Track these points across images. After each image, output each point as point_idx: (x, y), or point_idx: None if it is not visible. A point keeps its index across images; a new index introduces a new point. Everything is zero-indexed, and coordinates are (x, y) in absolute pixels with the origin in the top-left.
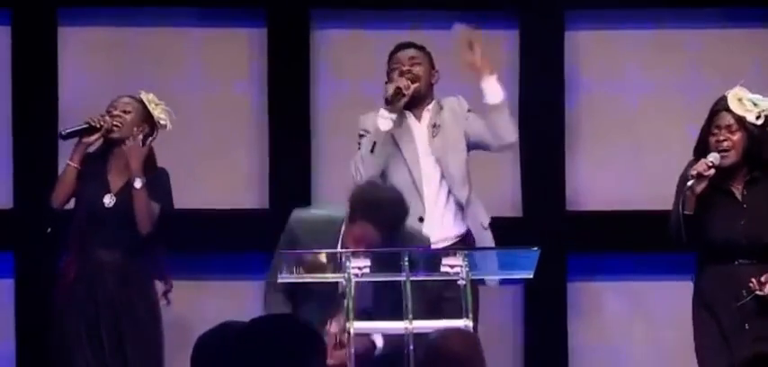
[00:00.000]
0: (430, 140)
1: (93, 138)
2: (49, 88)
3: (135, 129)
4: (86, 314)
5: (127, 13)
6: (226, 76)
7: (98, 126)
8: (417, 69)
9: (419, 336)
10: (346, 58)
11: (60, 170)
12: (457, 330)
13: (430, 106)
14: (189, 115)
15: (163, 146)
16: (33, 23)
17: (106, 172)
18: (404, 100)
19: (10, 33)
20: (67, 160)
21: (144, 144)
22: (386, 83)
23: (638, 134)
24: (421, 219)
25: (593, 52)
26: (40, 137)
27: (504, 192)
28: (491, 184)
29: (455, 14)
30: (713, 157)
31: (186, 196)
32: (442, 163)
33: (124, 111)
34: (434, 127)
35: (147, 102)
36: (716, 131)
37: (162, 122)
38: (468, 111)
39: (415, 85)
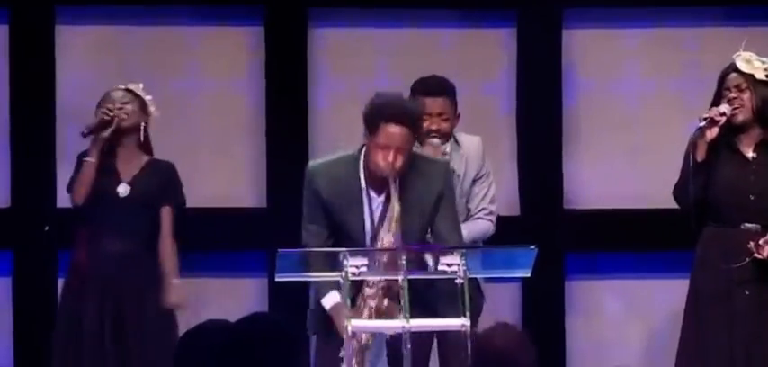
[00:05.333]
0: None
1: (108, 131)
2: (47, 87)
3: (142, 116)
4: (95, 304)
5: (125, 12)
6: (223, 74)
7: (111, 118)
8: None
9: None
10: (344, 56)
11: (58, 169)
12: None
13: None
14: (187, 113)
15: (161, 144)
16: (31, 22)
17: (115, 163)
18: None
19: (8, 32)
20: (85, 157)
21: (144, 135)
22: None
23: (635, 132)
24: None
25: (590, 50)
26: (38, 135)
27: (502, 190)
28: None
29: (454, 13)
30: (725, 107)
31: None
32: None
33: (124, 103)
34: None
35: (140, 93)
36: (726, 92)
37: (152, 109)
38: None
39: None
